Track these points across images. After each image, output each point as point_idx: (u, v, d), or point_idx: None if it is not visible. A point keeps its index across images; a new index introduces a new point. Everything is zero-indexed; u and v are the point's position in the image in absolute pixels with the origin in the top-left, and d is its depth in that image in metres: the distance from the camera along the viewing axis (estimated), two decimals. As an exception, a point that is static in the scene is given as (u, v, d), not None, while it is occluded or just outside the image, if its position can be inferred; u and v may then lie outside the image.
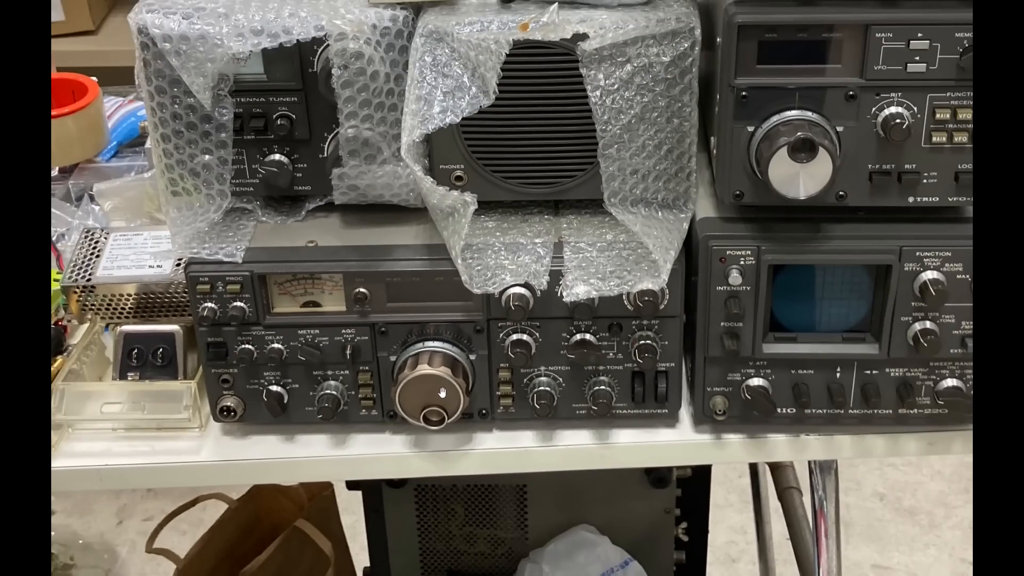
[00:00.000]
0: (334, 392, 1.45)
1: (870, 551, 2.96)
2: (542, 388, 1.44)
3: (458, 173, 1.40)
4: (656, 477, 2.00)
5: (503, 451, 1.47)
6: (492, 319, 1.42)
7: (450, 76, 1.33)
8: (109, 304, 1.51)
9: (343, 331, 1.42)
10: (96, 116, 1.92)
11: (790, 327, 1.41)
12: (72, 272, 1.51)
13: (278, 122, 1.40)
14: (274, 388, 1.45)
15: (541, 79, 1.34)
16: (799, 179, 1.28)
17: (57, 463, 1.46)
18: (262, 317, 1.42)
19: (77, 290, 1.50)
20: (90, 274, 1.51)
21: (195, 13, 1.34)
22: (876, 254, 1.35)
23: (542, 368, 1.44)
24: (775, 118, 1.29)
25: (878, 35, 1.25)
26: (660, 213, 1.40)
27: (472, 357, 1.43)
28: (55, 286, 1.57)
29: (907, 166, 1.32)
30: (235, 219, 1.46)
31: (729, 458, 1.51)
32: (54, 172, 1.96)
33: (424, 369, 1.39)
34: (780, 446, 1.48)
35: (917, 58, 1.26)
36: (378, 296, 1.41)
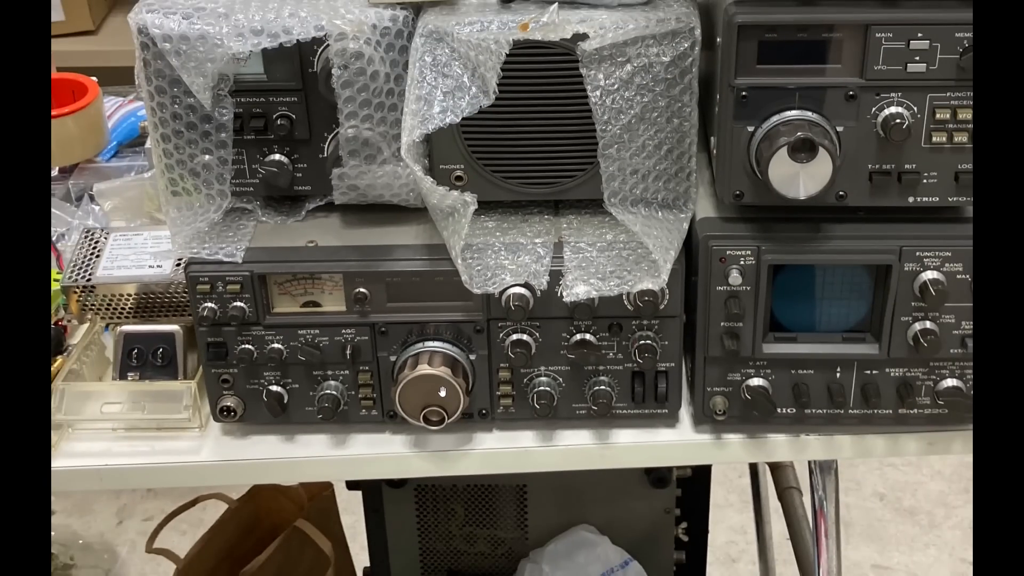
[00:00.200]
0: (334, 392, 1.45)
1: (870, 551, 2.97)
2: (542, 388, 1.44)
3: (458, 173, 1.40)
4: (656, 477, 2.00)
5: (503, 451, 1.47)
6: (492, 319, 1.42)
7: (450, 76, 1.33)
8: (109, 304, 1.51)
9: (343, 331, 1.42)
10: (96, 116, 1.92)
11: (790, 327, 1.41)
12: (72, 272, 1.51)
13: (278, 122, 1.40)
14: (274, 388, 1.45)
15: (541, 79, 1.34)
16: (799, 179, 1.28)
17: (57, 463, 1.46)
18: (262, 317, 1.42)
19: (77, 290, 1.50)
20: (90, 274, 1.51)
21: (195, 13, 1.34)
22: (876, 254, 1.35)
23: (542, 368, 1.44)
24: (775, 118, 1.29)
25: (878, 35, 1.25)
26: (660, 213, 1.40)
27: (472, 357, 1.43)
28: (55, 286, 1.57)
29: (907, 166, 1.32)
30: (235, 219, 1.46)
31: (729, 458, 1.51)
32: (54, 172, 1.96)
33: (424, 369, 1.39)
34: (780, 446, 1.48)
35: (917, 58, 1.26)
36: (378, 296, 1.41)
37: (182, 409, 1.48)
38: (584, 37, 1.30)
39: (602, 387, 1.44)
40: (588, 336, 1.41)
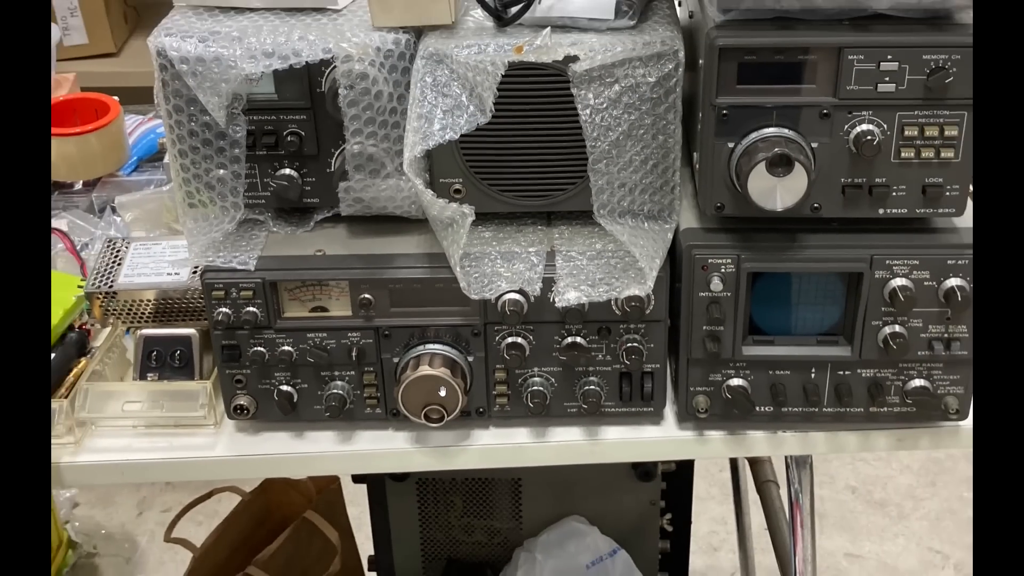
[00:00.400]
0: (341, 392, 1.45)
1: (843, 540, 2.96)
2: (535, 388, 1.44)
3: (457, 186, 1.40)
4: (642, 471, 1.99)
5: (499, 447, 1.47)
6: (489, 323, 1.41)
7: (449, 95, 1.33)
8: (130, 309, 1.51)
9: (349, 334, 1.42)
10: (118, 133, 1.92)
11: (768, 331, 1.41)
12: (95, 279, 1.51)
13: (288, 139, 1.40)
14: (284, 388, 1.45)
15: (535, 98, 1.34)
16: (776, 192, 1.28)
17: (81, 458, 1.46)
18: (273, 321, 1.42)
19: (100, 296, 1.49)
20: (112, 281, 1.50)
21: (210, 36, 1.33)
22: (848, 262, 1.35)
23: (535, 369, 1.44)
24: (754, 135, 1.29)
25: (850, 57, 1.25)
26: (646, 224, 1.40)
27: (470, 359, 1.43)
28: (79, 292, 1.57)
29: (877, 180, 1.32)
30: (248, 229, 1.46)
31: (711, 453, 1.51)
32: (79, 186, 1.95)
33: (425, 370, 1.39)
34: (758, 442, 1.47)
35: (887, 79, 1.26)
36: (382, 301, 1.40)
37: (198, 408, 1.48)
38: (575, 59, 1.30)
39: (592, 387, 1.44)
40: (579, 339, 1.41)
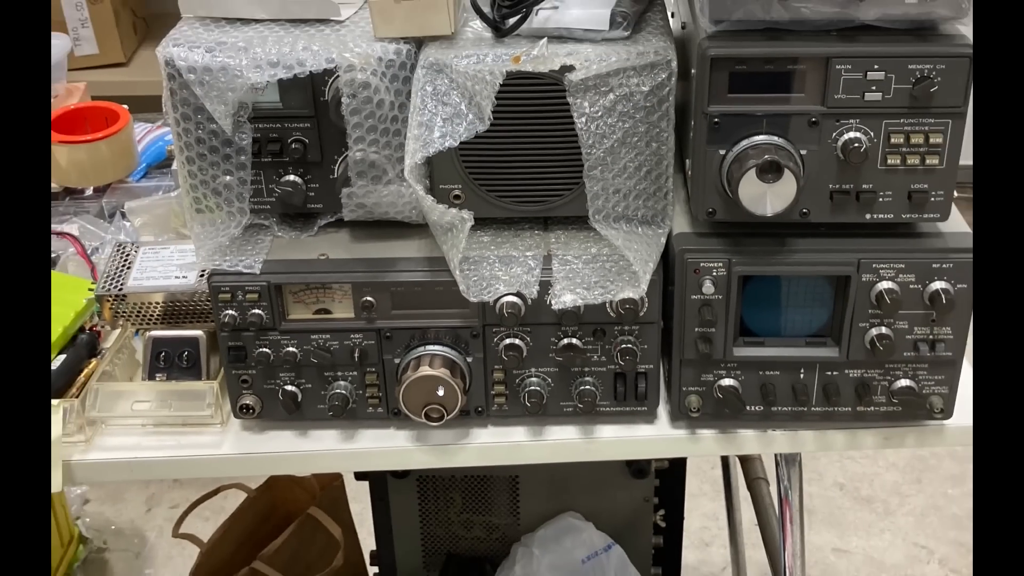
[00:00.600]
0: (343, 391, 1.44)
1: (831, 536, 2.96)
2: (532, 388, 1.44)
3: (456, 192, 1.40)
4: (636, 468, 1.99)
5: (497, 445, 1.47)
6: (487, 325, 1.41)
7: (449, 104, 1.33)
8: (139, 311, 1.50)
9: (352, 336, 1.42)
10: (127, 140, 1.92)
11: (758, 332, 1.41)
12: (105, 282, 1.50)
13: (292, 146, 1.39)
14: (289, 388, 1.45)
15: (532, 107, 1.33)
16: (766, 198, 1.28)
17: (91, 456, 1.46)
18: (278, 323, 1.41)
19: (110, 299, 1.49)
20: (122, 284, 1.50)
21: (217, 47, 1.33)
22: (836, 266, 1.35)
23: (532, 369, 1.44)
24: (744, 142, 1.29)
25: (838, 67, 1.25)
26: (640, 229, 1.40)
27: (469, 359, 1.43)
28: (90, 295, 1.57)
29: (864, 186, 1.31)
30: (253, 234, 1.46)
31: (703, 451, 1.51)
32: (89, 191, 1.95)
33: (425, 370, 1.39)
34: (749, 440, 1.47)
35: (873, 88, 1.26)
36: (383, 304, 1.40)
37: (205, 407, 1.47)
38: (571, 69, 1.30)
39: (587, 387, 1.44)
40: (574, 340, 1.41)
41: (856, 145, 1.28)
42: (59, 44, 2.17)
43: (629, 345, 1.41)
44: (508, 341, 1.41)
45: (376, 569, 2.17)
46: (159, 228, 1.72)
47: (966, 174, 1.26)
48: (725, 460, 2.43)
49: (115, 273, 1.52)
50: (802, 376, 1.42)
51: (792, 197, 1.27)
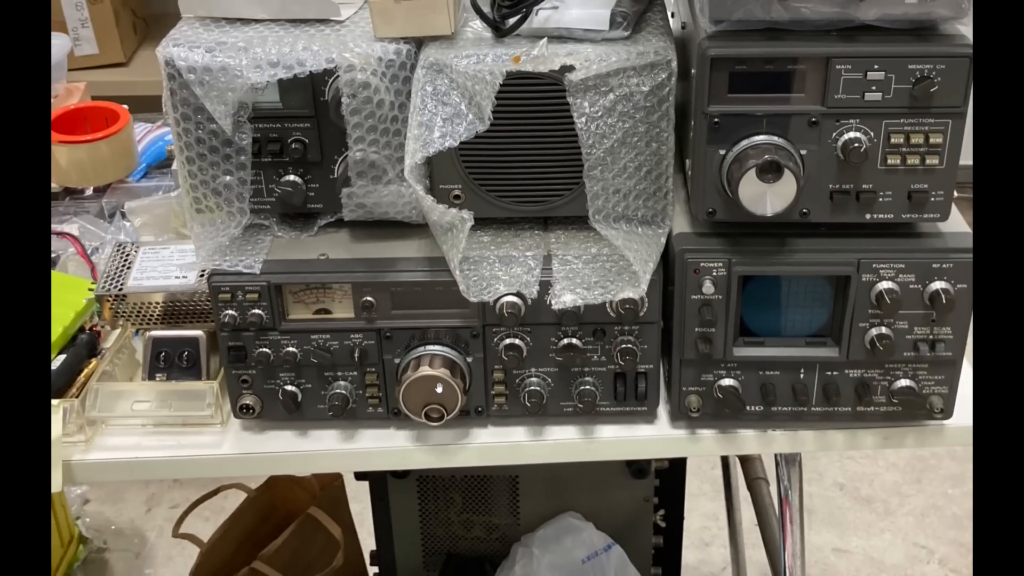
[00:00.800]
0: (343, 391, 1.44)
1: (831, 536, 2.96)
2: (532, 388, 1.44)
3: (456, 192, 1.40)
4: (636, 468, 1.99)
5: (497, 445, 1.47)
6: (487, 325, 1.41)
7: (449, 104, 1.33)
8: (139, 311, 1.50)
9: (352, 336, 1.42)
10: (127, 140, 1.92)
11: (758, 332, 1.41)
12: (105, 282, 1.50)
13: (292, 146, 1.39)
14: (289, 388, 1.45)
15: (532, 107, 1.33)
16: (766, 198, 1.28)
17: (91, 456, 1.46)
18: (278, 323, 1.41)
19: (110, 299, 1.49)
20: (122, 284, 1.50)
21: (217, 47, 1.33)
22: (836, 266, 1.35)
23: (532, 369, 1.44)
24: (744, 142, 1.29)
25: (838, 67, 1.25)
26: (640, 229, 1.40)
27: (469, 359, 1.43)
28: (90, 295, 1.57)
29: (864, 186, 1.31)
30: (253, 234, 1.46)
31: (703, 451, 1.51)
32: (90, 191, 1.95)
33: (425, 370, 1.39)
34: (749, 440, 1.47)
35: (873, 88, 1.26)
36: (384, 304, 1.40)
37: (205, 407, 1.47)
38: (571, 69, 1.30)
39: (587, 387, 1.44)
40: (574, 340, 1.41)
41: (856, 145, 1.28)
42: (59, 44, 2.17)
43: (629, 345, 1.41)
44: (508, 341, 1.41)
45: (376, 569, 2.17)
46: (159, 228, 1.72)
47: (966, 174, 1.26)
48: (725, 460, 2.43)
49: (115, 273, 1.52)
50: (802, 376, 1.42)
51: (792, 197, 1.27)
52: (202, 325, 1.51)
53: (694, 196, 1.35)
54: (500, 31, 1.36)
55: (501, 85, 1.30)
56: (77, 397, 1.46)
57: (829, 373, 1.41)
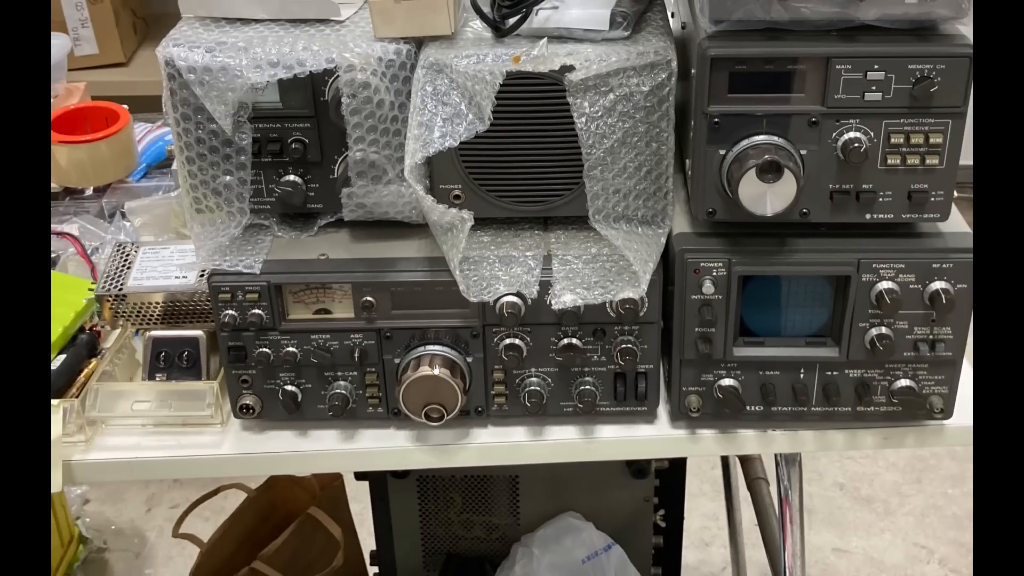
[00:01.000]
0: (343, 391, 1.44)
1: (831, 536, 2.96)
2: (532, 388, 1.44)
3: (456, 192, 1.40)
4: (636, 468, 1.99)
5: (497, 445, 1.47)
6: (487, 325, 1.41)
7: (449, 104, 1.33)
8: (139, 311, 1.50)
9: (352, 336, 1.42)
10: (127, 140, 1.92)
11: (758, 332, 1.41)
12: (105, 282, 1.50)
13: (292, 146, 1.39)
14: (289, 388, 1.45)
15: (532, 107, 1.33)
16: (766, 198, 1.28)
17: (91, 456, 1.46)
18: (278, 323, 1.41)
19: (110, 299, 1.49)
20: (122, 284, 1.50)
21: (217, 47, 1.33)
22: (836, 266, 1.35)
23: (532, 369, 1.44)
24: (744, 142, 1.29)
25: (838, 67, 1.25)
26: (640, 229, 1.40)
27: (469, 359, 1.43)
28: (90, 295, 1.57)
29: (864, 186, 1.31)
30: (253, 234, 1.46)
31: (703, 451, 1.51)
32: (89, 191, 1.95)
33: (425, 370, 1.39)
34: (749, 440, 1.47)
35: (873, 88, 1.26)
36: (384, 304, 1.40)
37: (205, 407, 1.47)
38: (571, 69, 1.30)
39: (587, 387, 1.44)
40: (574, 340, 1.41)
41: (856, 145, 1.28)
42: (59, 44, 2.17)
43: (629, 345, 1.41)
44: (508, 341, 1.41)
45: (376, 569, 2.17)
46: (159, 228, 1.72)
47: (966, 174, 1.26)
48: (725, 460, 2.43)
49: (115, 273, 1.52)
50: (802, 376, 1.42)
51: (792, 197, 1.27)
52: (202, 325, 1.51)
53: (694, 196, 1.35)
54: (500, 31, 1.36)
55: (501, 85, 1.30)
56: (77, 397, 1.46)
57: (829, 373, 1.41)
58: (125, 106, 1.96)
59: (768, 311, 1.40)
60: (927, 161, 1.30)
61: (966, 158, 1.25)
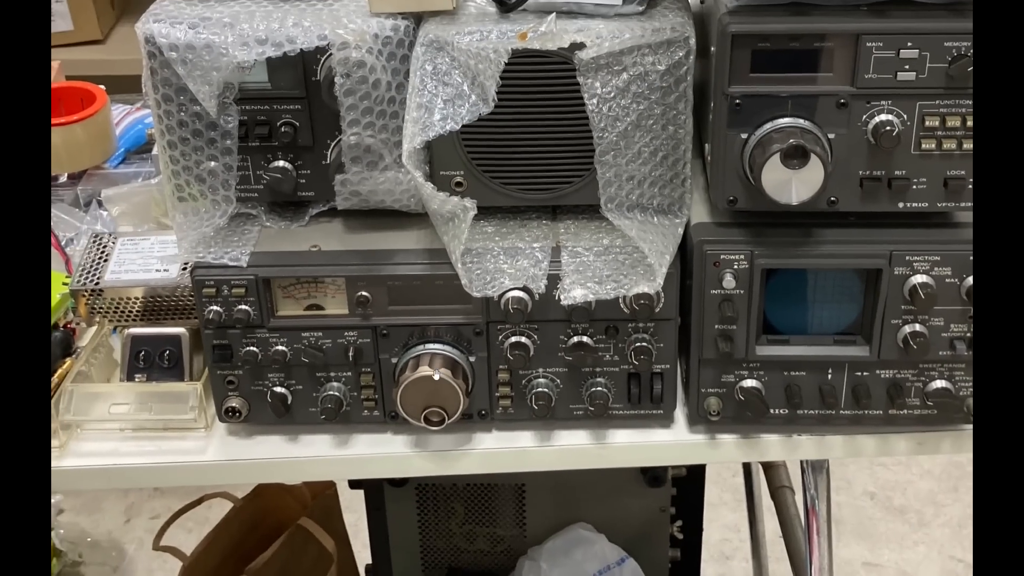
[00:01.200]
0: (337, 393, 1.45)
1: (861, 549, 2.96)
2: (540, 389, 1.44)
3: (458, 179, 1.40)
4: (652, 476, 2.00)
5: (502, 451, 1.47)
6: (491, 322, 1.41)
7: (450, 84, 1.33)
8: (117, 307, 1.51)
9: (345, 333, 1.42)
10: (104, 123, 1.92)
11: (782, 329, 1.41)
12: (81, 276, 1.51)
13: (282, 129, 1.40)
14: (278, 389, 1.45)
15: (539, 87, 1.34)
16: (791, 185, 1.28)
17: (66, 462, 1.46)
18: (266, 320, 1.42)
19: (86, 293, 1.50)
20: (98, 278, 1.50)
21: (201, 23, 1.34)
22: (867, 258, 1.35)
23: (540, 370, 1.44)
24: (768, 125, 1.29)
25: (869, 44, 1.25)
26: (655, 218, 1.40)
27: (472, 359, 1.43)
28: (64, 289, 1.57)
29: (897, 172, 1.32)
30: (240, 224, 1.46)
31: (723, 458, 1.51)
32: (63, 178, 1.96)
33: (425, 371, 1.39)
34: (773, 446, 1.47)
35: (907, 67, 1.26)
36: (380, 299, 1.41)
37: (188, 410, 1.48)
38: (581, 46, 1.30)
39: (599, 388, 1.44)
40: (585, 338, 1.41)
41: (888, 128, 1.28)
42: (31, 20, 2.18)
43: (644, 344, 1.41)
44: (514, 339, 1.42)
45: (372, 584, 2.17)
46: (138, 218, 1.72)
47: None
48: (747, 467, 2.43)
49: (91, 266, 1.52)
50: (830, 377, 1.42)
51: (819, 184, 1.28)
52: (185, 322, 1.51)
53: (714, 183, 1.35)
54: (505, 6, 1.36)
55: (506, 64, 1.30)
56: (50, 399, 1.47)
57: (859, 374, 1.42)
58: (102, 86, 1.96)
59: (793, 307, 1.40)
60: (964, 146, 1.30)
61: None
